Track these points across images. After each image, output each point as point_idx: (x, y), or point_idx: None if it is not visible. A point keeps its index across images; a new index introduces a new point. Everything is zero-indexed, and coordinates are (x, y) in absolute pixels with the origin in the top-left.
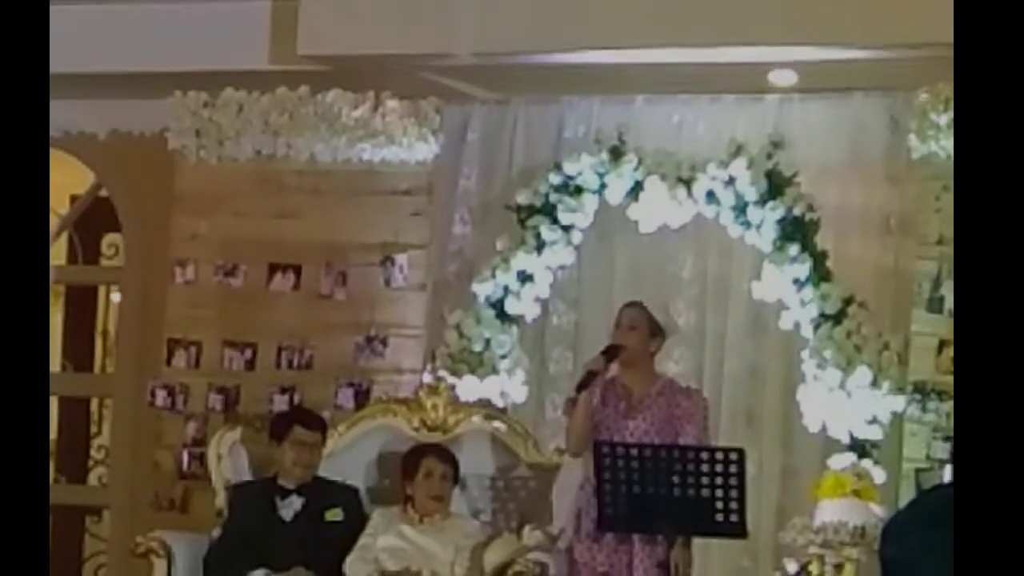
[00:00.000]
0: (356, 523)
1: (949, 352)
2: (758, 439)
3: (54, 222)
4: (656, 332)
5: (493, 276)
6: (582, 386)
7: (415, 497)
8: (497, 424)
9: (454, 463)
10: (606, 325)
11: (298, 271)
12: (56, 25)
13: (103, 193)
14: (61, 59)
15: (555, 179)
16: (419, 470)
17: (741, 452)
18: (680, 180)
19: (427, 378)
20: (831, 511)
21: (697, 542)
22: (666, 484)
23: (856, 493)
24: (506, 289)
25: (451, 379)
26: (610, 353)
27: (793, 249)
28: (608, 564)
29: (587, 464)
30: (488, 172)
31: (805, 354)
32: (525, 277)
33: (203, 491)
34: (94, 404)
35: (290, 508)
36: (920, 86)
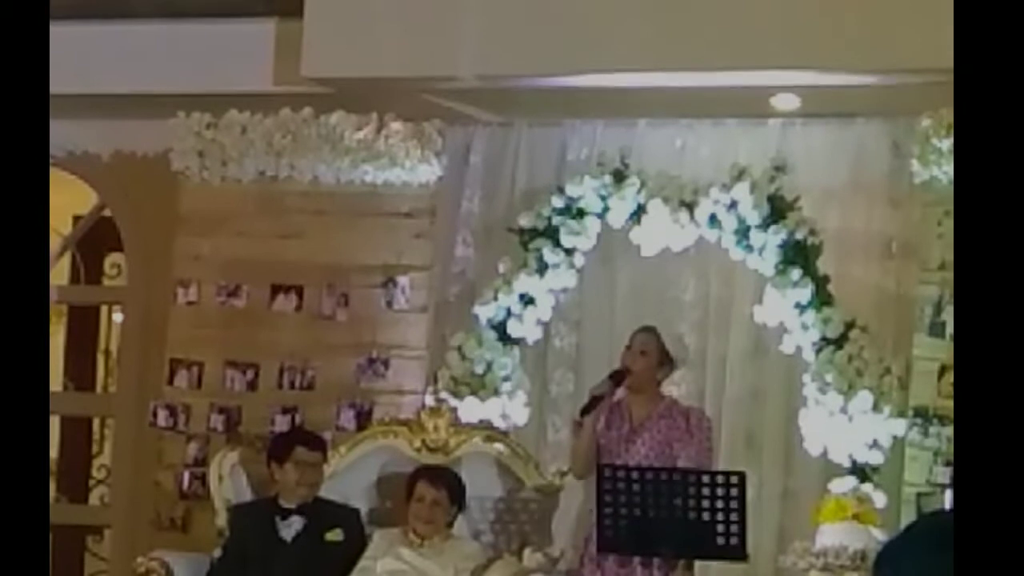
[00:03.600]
0: (356, 544)
1: (950, 377)
2: (759, 462)
3: (57, 242)
4: (665, 361)
5: (495, 298)
6: (586, 410)
7: (409, 520)
8: (498, 446)
9: (450, 487)
10: (608, 348)
11: (300, 292)
12: (61, 45)
13: (106, 213)
14: (65, 79)
15: (558, 202)
16: (413, 494)
17: (742, 476)
18: (682, 204)
19: (429, 400)
20: (832, 535)
21: (697, 565)
22: (667, 507)
23: (857, 517)
24: (508, 311)
25: (453, 401)
26: (616, 377)
27: (795, 273)
28: None
29: (592, 487)
30: (491, 194)
31: (806, 378)
32: (527, 299)
33: (204, 511)
34: (95, 424)
35: (291, 529)
36: (922, 111)
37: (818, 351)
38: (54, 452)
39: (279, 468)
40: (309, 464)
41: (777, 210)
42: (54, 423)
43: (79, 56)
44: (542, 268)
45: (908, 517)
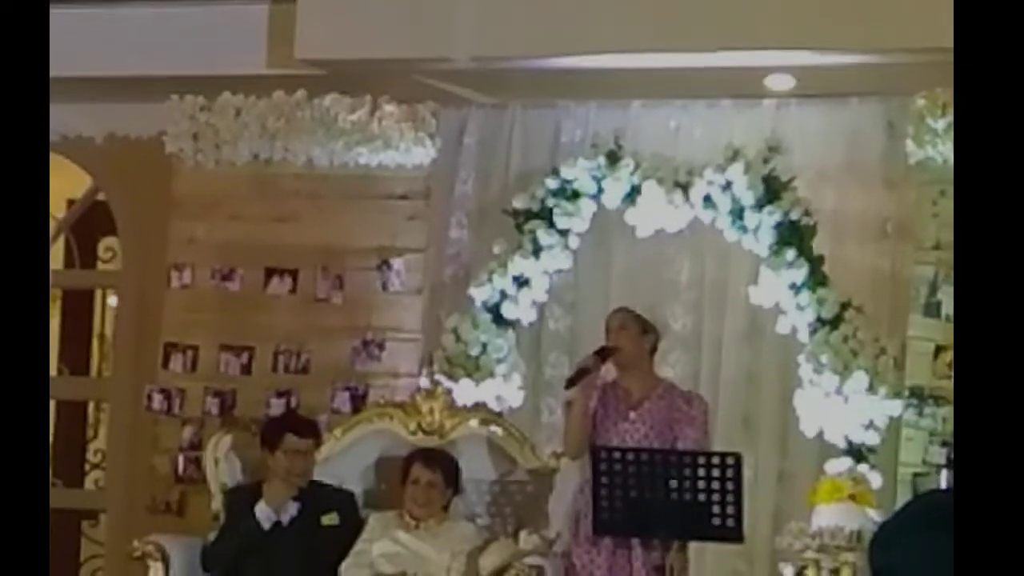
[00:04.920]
0: (352, 528)
1: (946, 357)
2: (755, 444)
3: (51, 226)
4: (647, 329)
5: (490, 280)
6: (571, 383)
7: (405, 502)
8: (494, 428)
9: (446, 469)
10: (602, 330)
11: (295, 275)
12: (54, 29)
13: (100, 197)
14: (59, 63)
15: (552, 183)
16: (409, 476)
17: (738, 457)
18: (677, 185)
19: (424, 382)
20: (828, 516)
21: (693, 546)
22: (663, 488)
23: (853, 498)
24: (503, 293)
25: (448, 383)
26: (603, 354)
27: (790, 254)
28: (607, 568)
29: (585, 468)
30: (485, 176)
31: (802, 359)
32: (522, 281)
33: (199, 495)
34: (91, 408)
35: (286, 512)
36: (917, 91)
37: (813, 332)
38: (49, 436)
39: (270, 455)
40: (299, 452)
41: (772, 191)
42: (49, 408)
43: (72, 39)
44: (537, 250)
45: (904, 497)
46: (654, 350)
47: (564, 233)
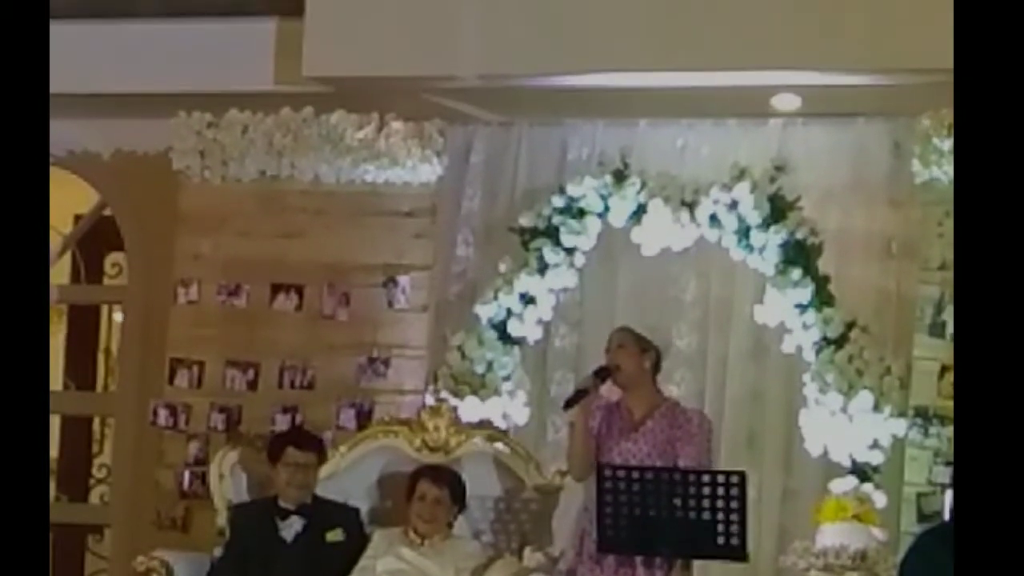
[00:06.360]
0: (357, 544)
1: (951, 377)
2: (759, 462)
3: (57, 241)
4: (647, 348)
5: (496, 298)
6: (568, 405)
7: (411, 519)
8: (499, 446)
9: (452, 486)
10: None
11: (301, 291)
12: (61, 45)
13: (107, 212)
14: (66, 79)
15: (558, 201)
16: (415, 492)
17: (742, 475)
18: (683, 203)
19: (429, 399)
20: (832, 535)
21: (697, 564)
22: (667, 507)
23: (857, 517)
24: (509, 311)
25: (453, 400)
26: (601, 374)
27: (795, 273)
28: None
29: (590, 486)
30: (491, 194)
31: (807, 378)
32: (528, 299)
33: (204, 510)
34: (96, 423)
35: (291, 529)
36: (923, 111)
37: (818, 351)
38: (54, 451)
39: (273, 468)
40: (300, 465)
41: (778, 210)
42: (54, 422)
43: (80, 55)
44: (543, 268)
45: (908, 517)
46: (657, 368)
47: (570, 251)
